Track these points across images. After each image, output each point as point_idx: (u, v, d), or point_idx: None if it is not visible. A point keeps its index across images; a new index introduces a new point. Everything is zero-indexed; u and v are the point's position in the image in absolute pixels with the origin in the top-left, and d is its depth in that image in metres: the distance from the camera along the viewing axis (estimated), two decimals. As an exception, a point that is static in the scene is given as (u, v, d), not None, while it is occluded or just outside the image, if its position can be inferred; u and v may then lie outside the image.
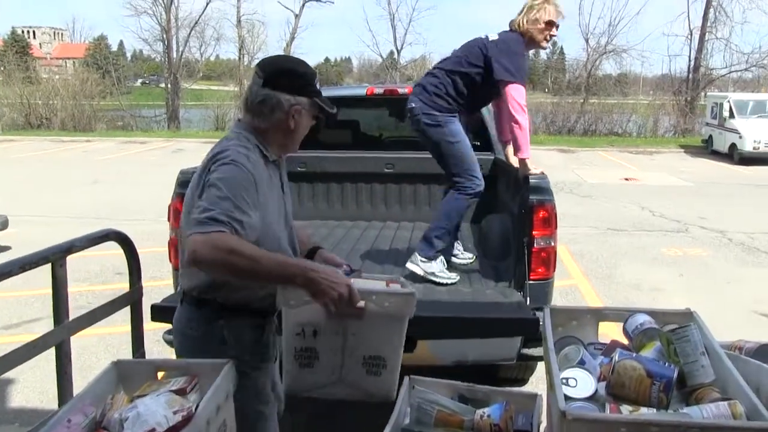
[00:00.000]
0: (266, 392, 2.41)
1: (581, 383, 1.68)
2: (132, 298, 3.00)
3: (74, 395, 2.27)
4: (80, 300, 5.93)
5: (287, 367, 2.21)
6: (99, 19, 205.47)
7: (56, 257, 2.41)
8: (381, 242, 5.13)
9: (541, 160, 18.67)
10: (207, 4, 37.08)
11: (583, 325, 2.02)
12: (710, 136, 23.19)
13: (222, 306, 2.26)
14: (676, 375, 1.62)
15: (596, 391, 1.68)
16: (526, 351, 3.74)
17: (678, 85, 32.57)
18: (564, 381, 1.66)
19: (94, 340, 5.30)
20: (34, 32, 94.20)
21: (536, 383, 4.64)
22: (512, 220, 4.37)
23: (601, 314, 2.05)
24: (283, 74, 2.34)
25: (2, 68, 39.24)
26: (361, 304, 2.08)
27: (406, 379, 1.94)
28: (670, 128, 30.49)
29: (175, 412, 1.73)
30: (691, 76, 31.97)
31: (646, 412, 1.58)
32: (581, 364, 1.77)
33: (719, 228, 10.36)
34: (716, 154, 22.05)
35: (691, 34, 32.20)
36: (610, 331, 2.14)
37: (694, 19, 32.24)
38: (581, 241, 9.31)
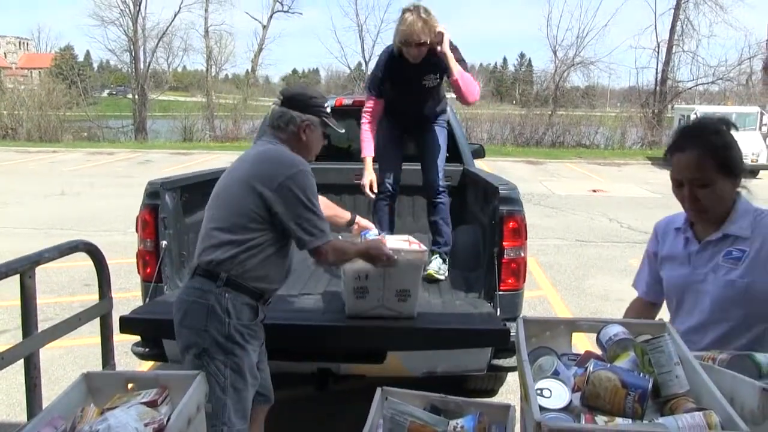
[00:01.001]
0: (254, 371, 2.93)
1: (555, 394, 1.68)
2: (102, 310, 2.96)
3: (43, 408, 2.27)
4: (48, 312, 5.85)
5: (349, 300, 3.54)
6: (65, 28, 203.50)
7: (25, 268, 2.38)
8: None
9: (508, 171, 18.84)
10: (175, 15, 36.94)
11: (557, 335, 2.02)
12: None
13: (228, 281, 2.79)
14: (651, 385, 1.62)
15: (571, 401, 1.67)
16: (496, 362, 3.75)
17: (645, 97, 33.01)
18: (538, 392, 1.65)
19: (61, 352, 5.23)
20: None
21: (505, 394, 4.66)
22: (482, 231, 4.39)
23: (574, 325, 2.06)
24: (296, 96, 3.08)
25: (-34, 78, 38.61)
26: (394, 258, 3.24)
27: (378, 390, 1.93)
28: (638, 140, 30.91)
29: (146, 425, 1.72)
30: (658, 88, 32.44)
31: (621, 423, 1.57)
32: (555, 374, 1.76)
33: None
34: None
35: (659, 47, 32.78)
36: (580, 342, 2.16)
37: (661, 32, 32.95)
38: (550, 252, 9.39)
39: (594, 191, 16.45)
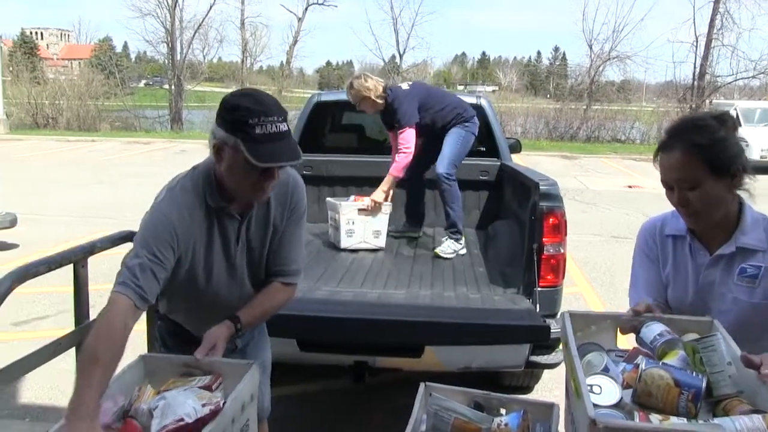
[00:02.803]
0: None
1: (606, 390, 1.66)
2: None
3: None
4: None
5: (343, 237, 5.08)
6: (104, 20, 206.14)
7: (78, 257, 2.43)
8: (385, 247, 5.15)
9: (542, 166, 18.67)
10: (211, 6, 37.13)
11: (602, 330, 2.01)
12: (716, 144, 23.14)
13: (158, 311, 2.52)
14: (704, 385, 1.60)
15: (621, 398, 1.66)
16: (534, 358, 3.74)
17: (682, 92, 32.46)
18: (588, 388, 1.63)
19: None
20: (41, 33, 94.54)
21: (540, 391, 4.64)
22: (520, 226, 4.38)
23: (620, 320, 2.00)
24: (222, 107, 2.11)
25: (11, 69, 39.25)
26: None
27: (422, 386, 1.94)
28: (675, 136, 30.38)
29: (203, 405, 1.74)
30: (696, 83, 31.78)
31: (676, 422, 1.56)
32: (605, 371, 1.74)
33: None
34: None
35: (697, 41, 32.03)
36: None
37: (700, 25, 32.14)
38: (585, 248, 9.31)
39: (629, 187, 16.26)
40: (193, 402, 1.74)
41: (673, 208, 2.09)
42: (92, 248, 2.51)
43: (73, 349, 2.60)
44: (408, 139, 5.14)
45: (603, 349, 1.90)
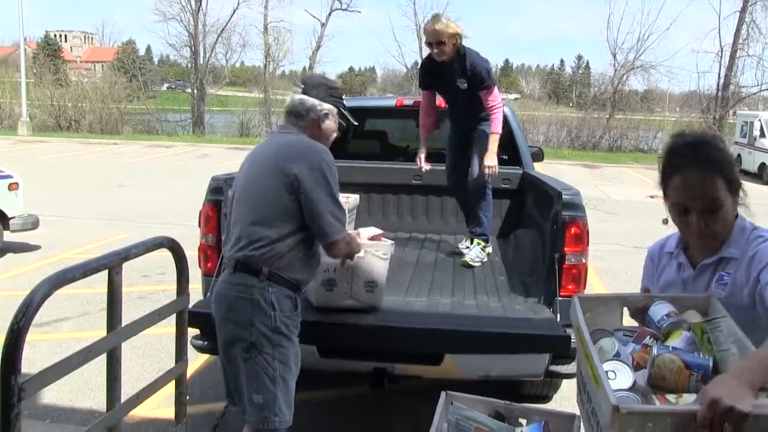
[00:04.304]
0: (298, 361, 2.99)
1: (620, 375, 1.73)
2: (180, 305, 3.02)
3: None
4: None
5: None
6: (128, 23, 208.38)
7: (114, 264, 2.44)
8: (406, 254, 5.13)
9: (564, 174, 18.59)
10: (234, 11, 37.39)
11: (610, 310, 2.07)
12: (739, 156, 22.90)
13: (270, 276, 2.86)
14: (712, 365, 1.68)
15: (635, 382, 1.72)
16: (554, 368, 3.70)
17: (706, 102, 32.22)
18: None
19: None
20: (65, 36, 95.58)
21: (560, 401, 4.60)
22: (542, 235, 4.35)
23: (626, 301, 2.07)
24: (317, 85, 3.11)
25: (34, 71, 39.74)
26: (361, 254, 3.39)
27: (443, 394, 1.93)
28: (698, 146, 30.12)
29: None
30: (720, 93, 31.52)
31: (689, 398, 1.61)
32: (617, 356, 1.80)
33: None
34: (745, 174, 21.74)
35: (722, 51, 31.78)
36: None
37: (725, 35, 31.88)
38: (606, 258, 9.24)
39: (652, 197, 16.09)
40: None
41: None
42: (127, 255, 2.53)
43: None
44: (498, 96, 5.00)
45: (611, 333, 1.94)
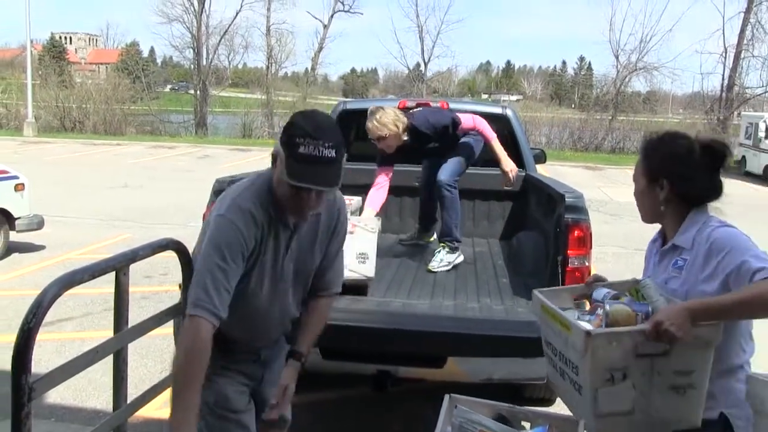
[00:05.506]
0: (230, 402, 2.48)
1: (582, 324, 2.11)
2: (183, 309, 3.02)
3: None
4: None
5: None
6: (132, 25, 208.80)
7: (121, 265, 2.44)
8: (409, 256, 5.14)
9: (566, 176, 18.57)
10: (237, 13, 37.46)
11: (562, 300, 2.46)
12: (743, 157, 22.87)
13: None
14: (650, 309, 2.09)
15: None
16: (556, 370, 3.71)
17: (710, 104, 32.14)
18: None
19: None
20: (70, 38, 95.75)
21: (563, 404, 4.59)
22: (544, 238, 4.36)
23: (574, 290, 2.59)
24: (287, 121, 2.24)
25: (40, 72, 39.79)
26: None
27: (447, 397, 1.95)
28: (701, 148, 30.03)
29: None
30: (724, 95, 31.42)
31: None
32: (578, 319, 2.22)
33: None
34: (749, 176, 21.70)
35: (726, 52, 31.67)
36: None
37: (729, 36, 31.78)
38: (608, 260, 9.26)
39: (654, 199, 16.10)
40: None
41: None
42: (135, 256, 2.53)
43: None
44: (467, 117, 4.85)
45: (572, 307, 2.41)
